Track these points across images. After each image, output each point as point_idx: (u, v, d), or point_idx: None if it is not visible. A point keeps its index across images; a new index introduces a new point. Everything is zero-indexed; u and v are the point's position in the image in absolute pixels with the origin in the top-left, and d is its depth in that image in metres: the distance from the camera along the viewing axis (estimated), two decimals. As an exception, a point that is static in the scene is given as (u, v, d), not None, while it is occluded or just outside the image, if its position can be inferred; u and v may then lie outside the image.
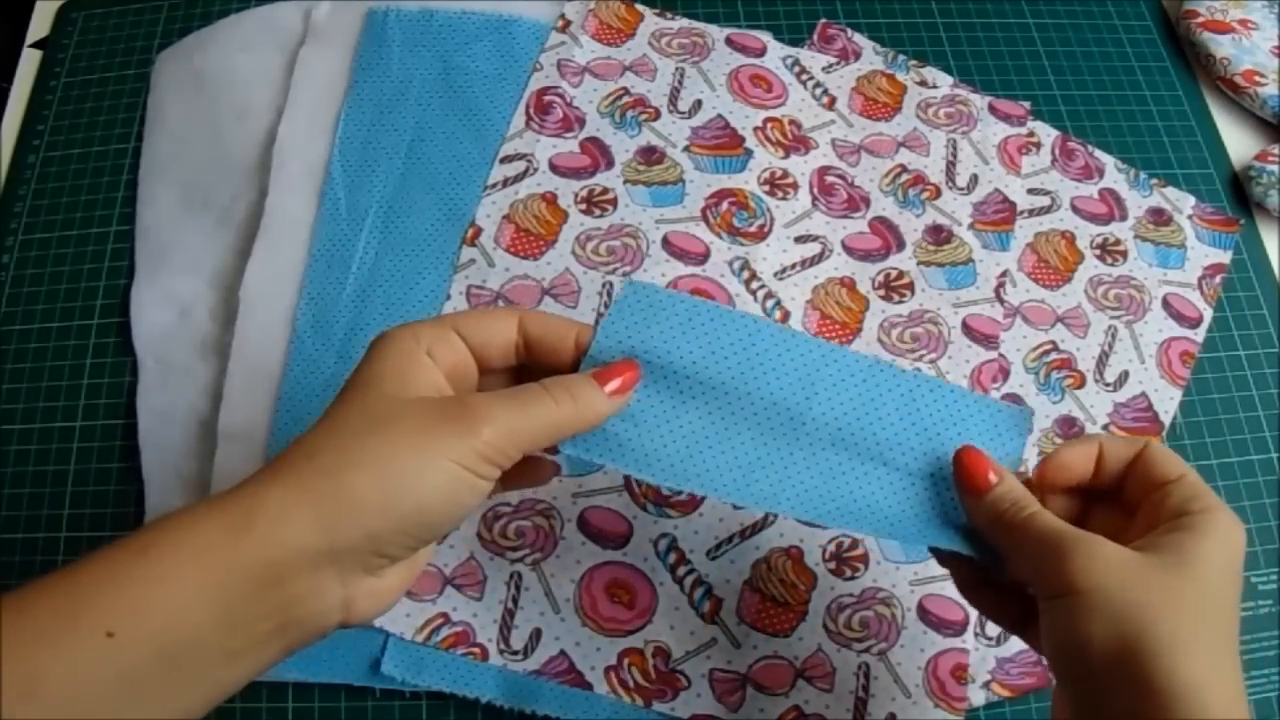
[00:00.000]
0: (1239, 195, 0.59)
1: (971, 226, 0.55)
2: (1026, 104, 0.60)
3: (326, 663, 0.45)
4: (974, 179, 0.57)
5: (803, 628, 0.45)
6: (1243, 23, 0.63)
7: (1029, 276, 0.55)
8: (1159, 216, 0.57)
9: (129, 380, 0.52)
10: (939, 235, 0.55)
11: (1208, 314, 0.55)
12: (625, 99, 0.57)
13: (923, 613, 0.46)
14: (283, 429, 0.48)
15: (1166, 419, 0.52)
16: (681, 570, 0.46)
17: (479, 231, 0.53)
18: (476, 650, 0.45)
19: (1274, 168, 0.58)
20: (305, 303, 0.51)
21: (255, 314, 0.51)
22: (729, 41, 0.60)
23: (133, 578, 0.27)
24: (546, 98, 0.57)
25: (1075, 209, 0.57)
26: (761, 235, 0.53)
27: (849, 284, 0.53)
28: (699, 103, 0.57)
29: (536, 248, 0.53)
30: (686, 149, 0.56)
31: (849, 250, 0.54)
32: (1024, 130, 0.59)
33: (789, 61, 0.60)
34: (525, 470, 0.37)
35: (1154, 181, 0.59)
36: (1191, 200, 0.58)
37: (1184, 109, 0.62)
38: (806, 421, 0.36)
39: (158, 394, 0.50)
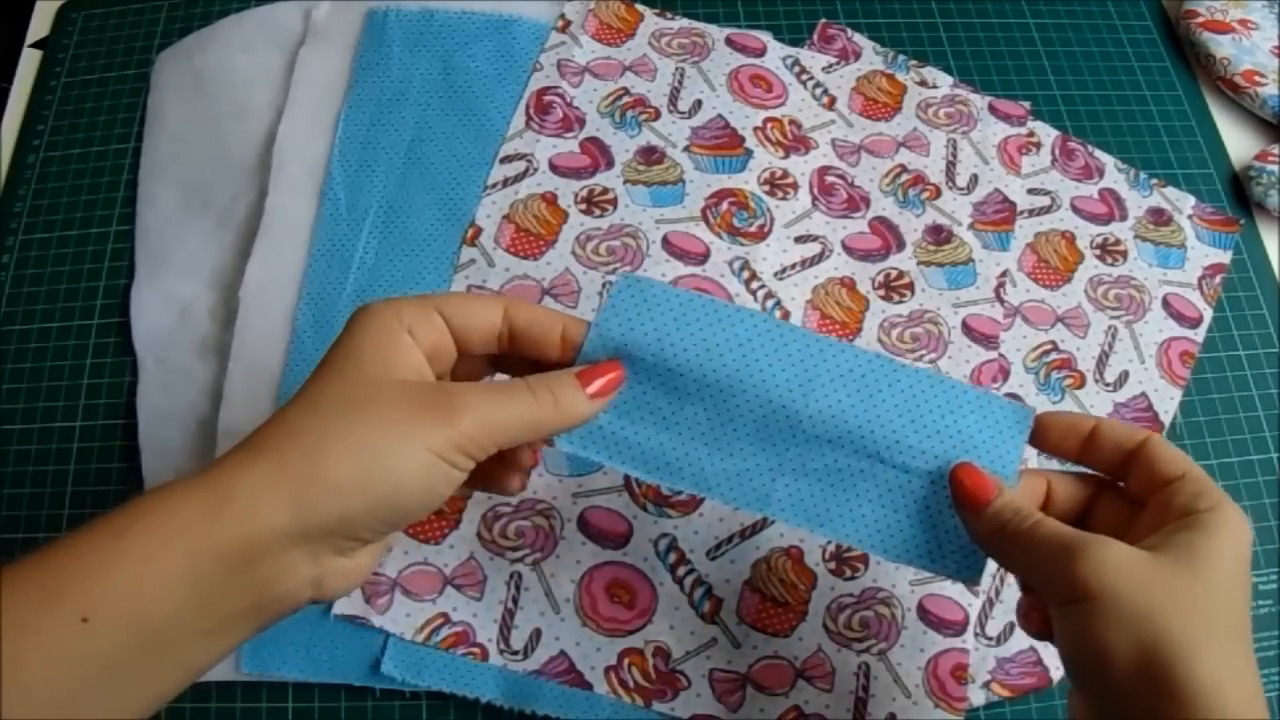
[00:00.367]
0: (1239, 195, 0.59)
1: (971, 226, 0.55)
2: (1026, 104, 0.60)
3: (326, 663, 0.45)
4: (974, 179, 0.57)
5: (803, 628, 0.45)
6: (1243, 23, 0.63)
7: (1029, 276, 0.55)
8: (1159, 216, 0.57)
9: (129, 380, 0.51)
10: (939, 235, 0.55)
11: (1208, 314, 0.55)
12: (625, 99, 0.57)
13: (923, 613, 0.46)
14: (283, 429, 0.48)
15: (1166, 419, 0.52)
16: (681, 570, 0.46)
17: (479, 231, 0.53)
18: (476, 650, 0.45)
19: (1274, 168, 0.58)
20: (305, 303, 0.51)
21: (255, 314, 0.51)
22: (729, 41, 0.60)
23: (109, 562, 0.27)
24: (546, 98, 0.57)
25: (1075, 209, 0.57)
26: (761, 235, 0.53)
27: (849, 284, 0.53)
28: (699, 103, 0.57)
29: (536, 248, 0.53)
30: (686, 149, 0.56)
31: (849, 250, 0.54)
32: (1024, 130, 0.59)
33: (789, 61, 0.60)
34: (496, 474, 0.37)
35: (1154, 181, 0.59)
36: (1191, 200, 0.58)
37: (1184, 109, 0.62)
38: (804, 417, 0.36)
39: (158, 394, 0.50)
